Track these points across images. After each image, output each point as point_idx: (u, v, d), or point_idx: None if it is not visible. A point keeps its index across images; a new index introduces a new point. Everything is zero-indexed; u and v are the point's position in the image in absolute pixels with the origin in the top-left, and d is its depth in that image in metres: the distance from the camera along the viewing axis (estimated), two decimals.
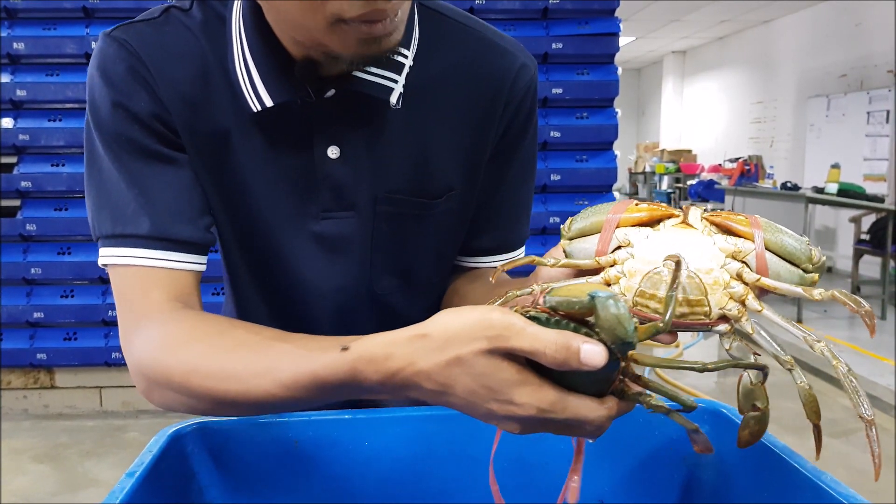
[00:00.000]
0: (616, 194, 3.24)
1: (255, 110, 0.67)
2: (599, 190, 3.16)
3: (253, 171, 0.71)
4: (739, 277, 0.52)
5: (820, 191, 5.37)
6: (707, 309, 0.51)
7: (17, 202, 3.11)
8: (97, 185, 0.68)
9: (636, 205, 0.54)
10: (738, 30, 8.99)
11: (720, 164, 8.40)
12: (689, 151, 9.71)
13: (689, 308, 0.51)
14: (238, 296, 0.81)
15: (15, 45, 3.01)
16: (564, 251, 0.57)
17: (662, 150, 9.99)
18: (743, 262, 0.52)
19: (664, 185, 9.51)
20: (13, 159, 3.10)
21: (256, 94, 0.66)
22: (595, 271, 0.55)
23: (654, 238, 0.53)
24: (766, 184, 6.51)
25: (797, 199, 5.24)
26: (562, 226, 0.58)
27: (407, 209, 0.75)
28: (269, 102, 0.66)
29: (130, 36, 0.67)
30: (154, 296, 0.65)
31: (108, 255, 0.66)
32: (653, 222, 0.54)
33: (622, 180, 10.40)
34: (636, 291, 0.52)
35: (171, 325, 0.62)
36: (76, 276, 3.13)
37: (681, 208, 0.55)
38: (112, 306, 3.11)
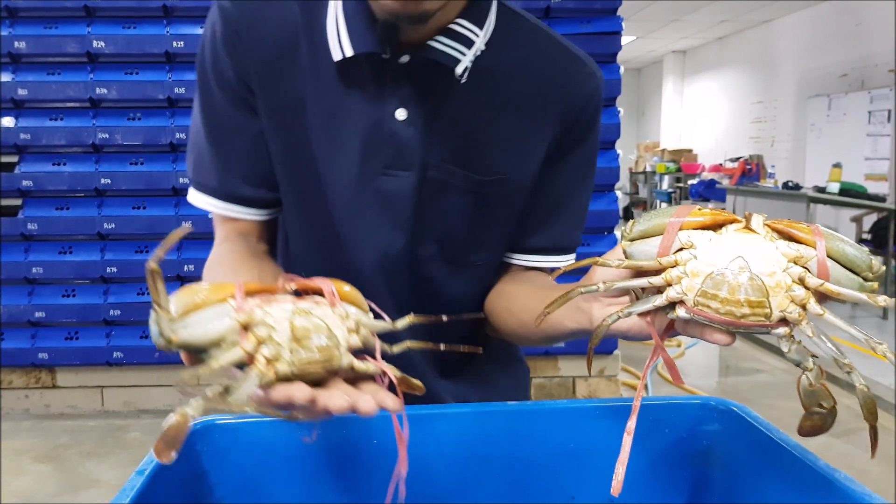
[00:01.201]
0: (618, 193, 3.24)
1: (337, 58, 0.73)
2: (602, 189, 3.16)
3: (325, 128, 0.77)
4: (801, 282, 0.53)
5: (822, 190, 5.37)
6: (767, 311, 0.52)
7: (18, 201, 3.11)
8: (192, 132, 0.81)
9: (699, 209, 0.56)
10: (739, 30, 8.98)
11: (721, 164, 8.40)
12: (690, 151, 9.71)
13: (751, 309, 0.52)
14: (289, 250, 0.86)
15: (16, 43, 3.01)
16: (625, 252, 0.58)
17: (663, 150, 9.99)
18: (805, 267, 0.53)
19: (665, 185, 9.51)
20: (14, 158, 3.10)
21: (340, 45, 0.73)
22: (656, 272, 0.56)
23: (717, 241, 0.54)
24: (767, 183, 6.50)
25: (799, 198, 5.25)
26: (622, 228, 0.59)
27: (455, 180, 0.79)
28: (349, 52, 0.72)
29: (233, 2, 0.76)
30: (220, 230, 0.83)
31: (192, 196, 0.82)
32: (715, 227, 0.55)
33: (623, 180, 10.41)
34: (698, 291, 0.53)
35: (214, 252, 0.80)
36: (77, 276, 3.13)
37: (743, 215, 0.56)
38: (112, 306, 3.11)
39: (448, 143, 0.78)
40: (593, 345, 0.60)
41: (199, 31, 3.05)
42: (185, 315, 0.55)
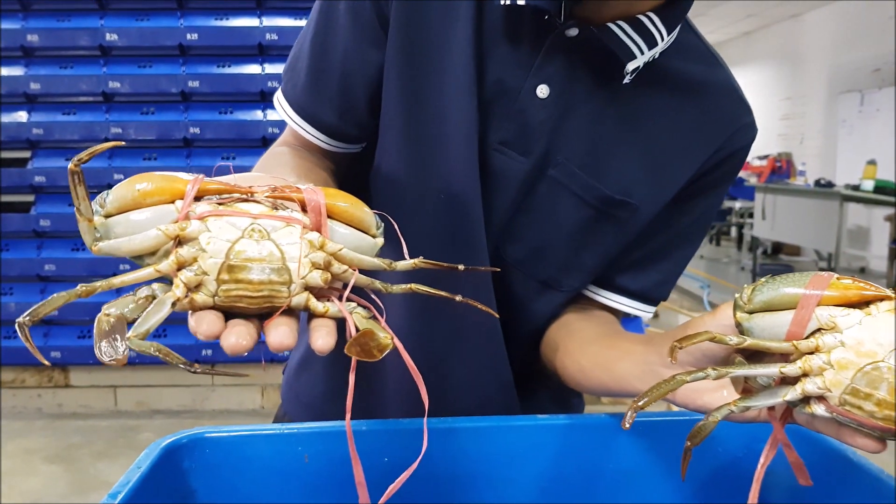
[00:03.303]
0: None
1: (504, 3, 0.66)
2: None
3: (455, 77, 0.68)
4: None
5: (855, 188, 5.20)
6: None
7: (30, 197, 3.06)
8: (297, 47, 0.76)
9: (838, 279, 0.45)
10: (765, 24, 8.80)
11: (748, 162, 8.23)
12: None
13: None
14: (369, 194, 0.79)
15: (29, 36, 2.96)
16: (740, 326, 0.47)
17: None
18: None
19: None
20: (27, 154, 3.06)
21: None
22: (784, 356, 0.46)
23: (868, 324, 0.44)
24: (797, 181, 6.33)
25: (832, 196, 5.08)
26: (736, 295, 0.48)
27: (575, 187, 0.69)
28: (521, 0, 0.64)
29: None
30: (286, 137, 0.78)
31: (277, 99, 0.77)
32: (861, 303, 0.45)
33: None
34: (847, 388, 0.43)
35: (268, 150, 0.75)
36: (90, 273, 3.08)
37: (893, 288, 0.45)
38: None
39: (581, 144, 0.68)
40: (694, 444, 0.47)
41: (214, 23, 3.00)
42: (119, 213, 0.46)
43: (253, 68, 3.01)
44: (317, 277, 0.46)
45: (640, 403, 0.45)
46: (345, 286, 0.49)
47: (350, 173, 0.79)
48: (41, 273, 3.05)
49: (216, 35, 2.98)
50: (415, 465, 0.49)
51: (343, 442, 0.61)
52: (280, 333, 0.43)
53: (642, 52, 0.64)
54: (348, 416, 0.46)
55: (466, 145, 0.68)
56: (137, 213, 0.47)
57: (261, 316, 0.47)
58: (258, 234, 0.46)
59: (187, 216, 0.46)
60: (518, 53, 0.67)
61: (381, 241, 0.52)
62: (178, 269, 0.45)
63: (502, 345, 0.75)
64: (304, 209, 0.50)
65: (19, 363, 3.15)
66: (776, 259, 7.22)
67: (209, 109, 3.02)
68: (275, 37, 2.97)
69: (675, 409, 0.59)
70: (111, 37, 2.97)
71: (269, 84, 2.99)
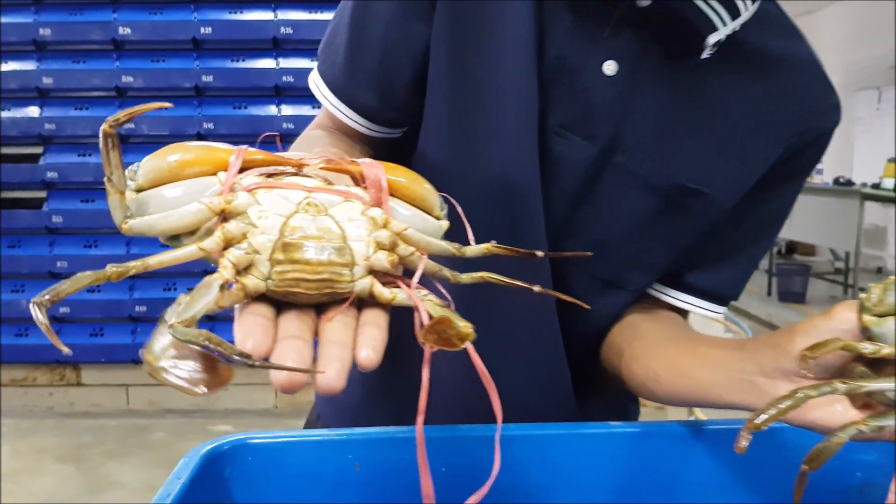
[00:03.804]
0: None
1: None
2: None
3: (511, 52, 0.62)
4: None
5: (875, 186, 5.12)
6: None
7: (42, 193, 3.03)
8: (338, 14, 0.70)
9: None
10: None
11: None
12: None
13: None
14: None
15: (41, 30, 2.93)
16: (869, 331, 0.42)
17: None
18: None
19: None
20: (39, 149, 3.02)
21: None
22: None
23: None
24: (815, 180, 6.26)
25: (851, 195, 5.00)
26: (862, 296, 0.43)
27: (644, 174, 0.63)
28: None
29: None
30: (319, 120, 0.73)
31: (313, 79, 0.72)
32: None
33: None
34: None
35: (301, 135, 0.71)
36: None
37: None
38: (138, 302, 3.01)
39: (651, 127, 0.63)
40: (812, 469, 0.41)
41: (228, 16, 2.96)
42: (152, 188, 0.41)
43: (267, 62, 2.96)
44: (383, 259, 0.41)
45: (757, 422, 0.39)
46: (407, 273, 0.43)
47: (388, 160, 0.73)
48: (53, 270, 3.01)
49: (230, 29, 2.94)
50: (492, 480, 0.43)
51: (398, 450, 0.56)
52: (368, 345, 0.37)
53: (724, 24, 0.58)
54: (420, 420, 0.41)
55: (525, 129, 0.62)
56: (174, 187, 0.41)
57: (317, 310, 0.41)
58: (314, 208, 0.40)
59: (232, 188, 0.41)
60: (582, 26, 0.61)
61: (445, 223, 0.47)
62: (225, 248, 0.39)
63: (561, 350, 0.69)
64: (358, 184, 0.44)
65: (31, 361, 3.11)
66: (790, 259, 7.13)
67: (223, 104, 2.98)
68: (289, 30, 2.92)
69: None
70: (124, 31, 2.93)
71: (284, 79, 2.94)
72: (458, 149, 0.66)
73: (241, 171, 0.42)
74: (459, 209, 0.49)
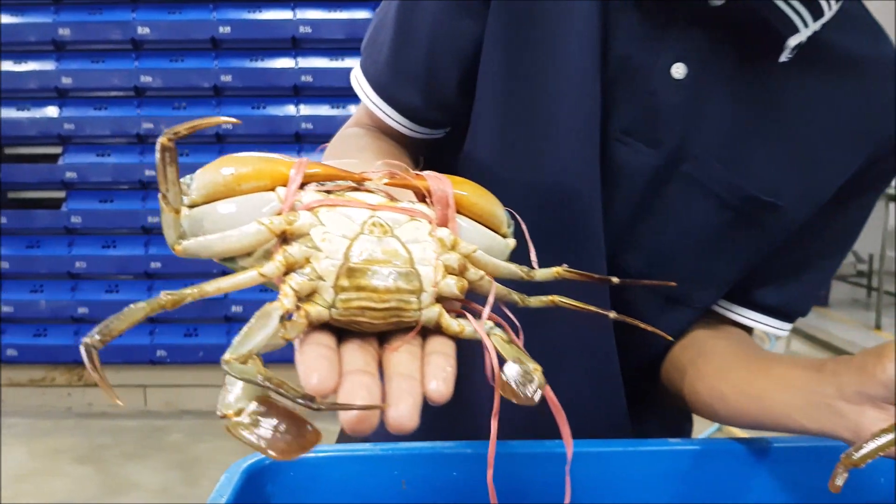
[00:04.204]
0: None
1: None
2: None
3: (570, 53, 0.58)
4: None
5: None
6: None
7: (61, 194, 3.02)
8: (382, 9, 0.67)
9: None
10: None
11: None
12: None
13: None
14: None
15: (60, 30, 2.92)
16: None
17: None
18: None
19: None
20: (58, 149, 3.02)
21: None
22: None
23: None
24: None
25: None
26: None
27: (714, 185, 0.60)
28: None
29: None
30: (358, 117, 0.70)
31: (355, 76, 0.69)
32: None
33: None
34: None
35: (339, 133, 0.70)
36: (121, 271, 3.03)
37: None
38: None
39: (721, 134, 0.59)
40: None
41: (246, 15, 2.94)
42: (207, 203, 0.38)
43: (286, 62, 2.94)
44: (452, 285, 0.38)
45: (855, 458, 0.36)
46: (468, 298, 0.41)
47: (428, 162, 0.71)
48: (72, 270, 3.01)
49: (249, 28, 2.92)
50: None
51: (446, 466, 0.53)
52: (437, 376, 0.34)
53: (805, 25, 0.54)
54: (492, 448, 0.38)
55: (586, 134, 0.59)
56: (229, 203, 0.38)
57: (378, 338, 0.38)
58: (379, 229, 0.37)
59: (293, 207, 0.38)
60: (650, 26, 0.58)
61: (512, 242, 0.44)
62: (286, 273, 0.36)
63: (618, 372, 0.65)
64: (422, 200, 0.42)
65: (49, 361, 3.11)
66: None
67: (241, 104, 2.96)
68: (308, 30, 2.90)
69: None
70: (143, 30, 2.92)
71: (303, 78, 2.92)
72: (511, 153, 0.62)
73: (301, 185, 0.39)
74: (524, 227, 0.45)
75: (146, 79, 2.96)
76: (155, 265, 3.00)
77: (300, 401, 0.31)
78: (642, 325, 0.46)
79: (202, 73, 2.95)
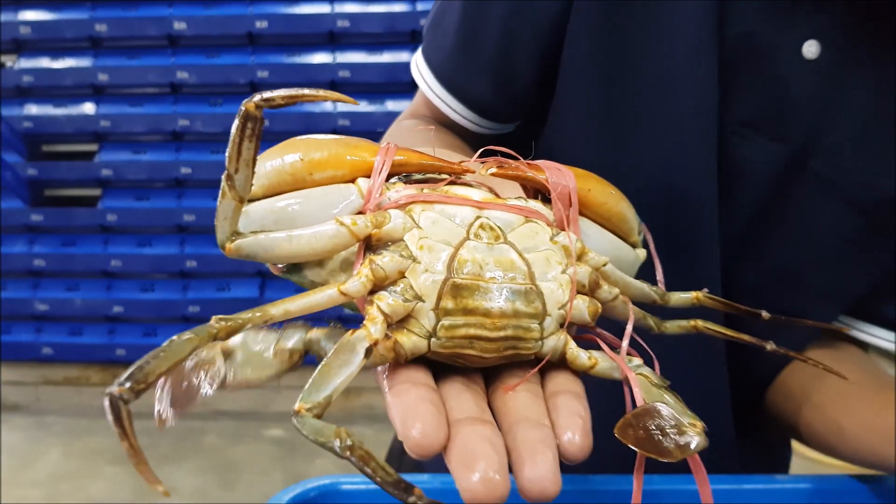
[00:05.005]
0: None
1: None
2: None
3: (679, 32, 0.51)
4: None
5: None
6: None
7: (97, 191, 3.00)
8: (443, 2, 0.60)
9: None
10: None
11: None
12: None
13: None
14: None
15: (97, 26, 2.89)
16: None
17: None
18: None
19: None
20: (94, 147, 2.99)
21: None
22: None
23: None
24: None
25: None
26: None
27: (850, 187, 0.52)
28: None
29: None
30: (416, 108, 0.64)
31: (416, 63, 0.63)
32: None
33: None
34: None
35: (394, 124, 0.65)
36: (156, 270, 3.01)
37: None
38: (191, 302, 2.96)
39: (858, 126, 0.51)
40: None
41: (283, 10, 2.89)
42: (266, 197, 0.32)
43: (323, 57, 2.88)
44: (583, 309, 0.30)
45: None
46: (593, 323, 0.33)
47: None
48: (107, 269, 2.99)
49: (286, 23, 2.86)
50: None
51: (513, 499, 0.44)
52: (572, 425, 0.27)
53: None
54: (638, 490, 0.30)
55: (700, 128, 0.51)
56: (297, 197, 0.31)
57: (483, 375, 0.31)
58: (489, 233, 0.29)
59: (379, 204, 0.31)
60: (771, 6, 0.50)
61: (643, 254, 0.37)
62: (372, 291, 0.29)
63: (728, 402, 0.58)
64: (535, 196, 0.34)
65: (85, 360, 3.10)
66: None
67: None
68: (346, 24, 2.84)
69: None
70: (179, 25, 2.88)
71: (340, 74, 2.86)
72: (603, 152, 0.54)
73: (388, 176, 0.32)
74: (649, 237, 0.38)
75: (182, 75, 2.92)
76: (191, 264, 2.96)
77: (392, 491, 0.24)
78: (818, 364, 0.38)
79: (239, 70, 2.90)
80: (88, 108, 2.96)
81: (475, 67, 0.58)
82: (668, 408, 0.29)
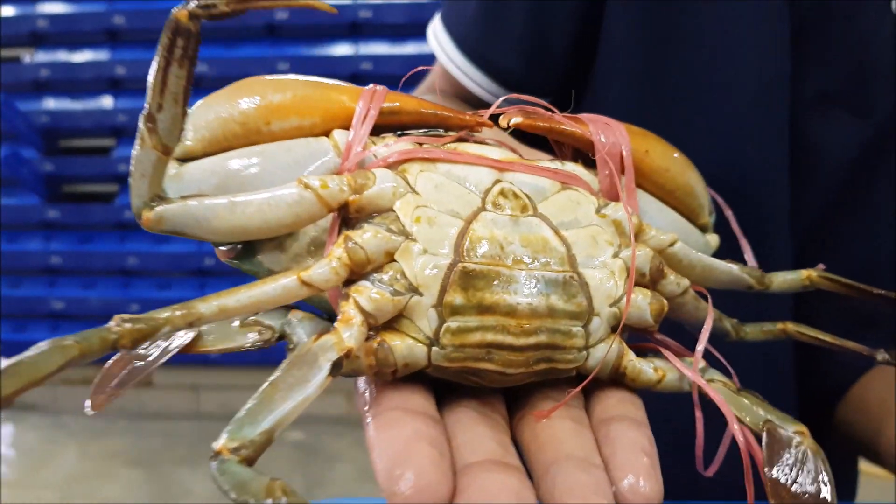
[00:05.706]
0: None
1: None
2: None
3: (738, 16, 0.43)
4: None
5: None
6: None
7: (114, 187, 2.95)
8: None
9: None
10: None
11: None
12: None
13: None
14: None
15: (115, 18, 2.85)
16: None
17: None
18: None
19: None
20: (111, 142, 2.94)
21: None
22: None
23: None
24: None
25: None
26: None
27: None
28: None
29: None
30: (435, 83, 0.58)
31: (433, 32, 0.58)
32: None
33: None
34: None
35: None
36: (173, 268, 2.95)
37: None
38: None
39: None
40: None
41: None
42: (208, 155, 0.24)
43: (345, 49, 2.81)
44: (644, 306, 0.22)
45: None
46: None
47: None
48: (125, 266, 2.93)
49: (306, 13, 2.79)
50: None
51: None
52: (634, 465, 0.19)
53: None
54: None
55: (768, 102, 0.44)
56: (250, 154, 0.24)
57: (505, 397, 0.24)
58: (513, 201, 0.22)
59: (362, 163, 0.23)
60: None
61: (715, 239, 0.30)
62: (349, 281, 0.21)
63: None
64: (574, 159, 0.26)
65: (102, 359, 3.04)
66: None
67: None
68: (369, 14, 2.76)
69: None
70: None
71: (362, 66, 2.78)
72: (659, 127, 0.47)
73: (377, 132, 0.25)
74: (730, 213, 0.33)
75: (202, 68, 2.85)
76: (209, 262, 2.90)
77: None
78: None
79: (259, 62, 2.83)
80: (106, 101, 2.91)
81: (503, 34, 0.53)
82: (767, 421, 0.23)
